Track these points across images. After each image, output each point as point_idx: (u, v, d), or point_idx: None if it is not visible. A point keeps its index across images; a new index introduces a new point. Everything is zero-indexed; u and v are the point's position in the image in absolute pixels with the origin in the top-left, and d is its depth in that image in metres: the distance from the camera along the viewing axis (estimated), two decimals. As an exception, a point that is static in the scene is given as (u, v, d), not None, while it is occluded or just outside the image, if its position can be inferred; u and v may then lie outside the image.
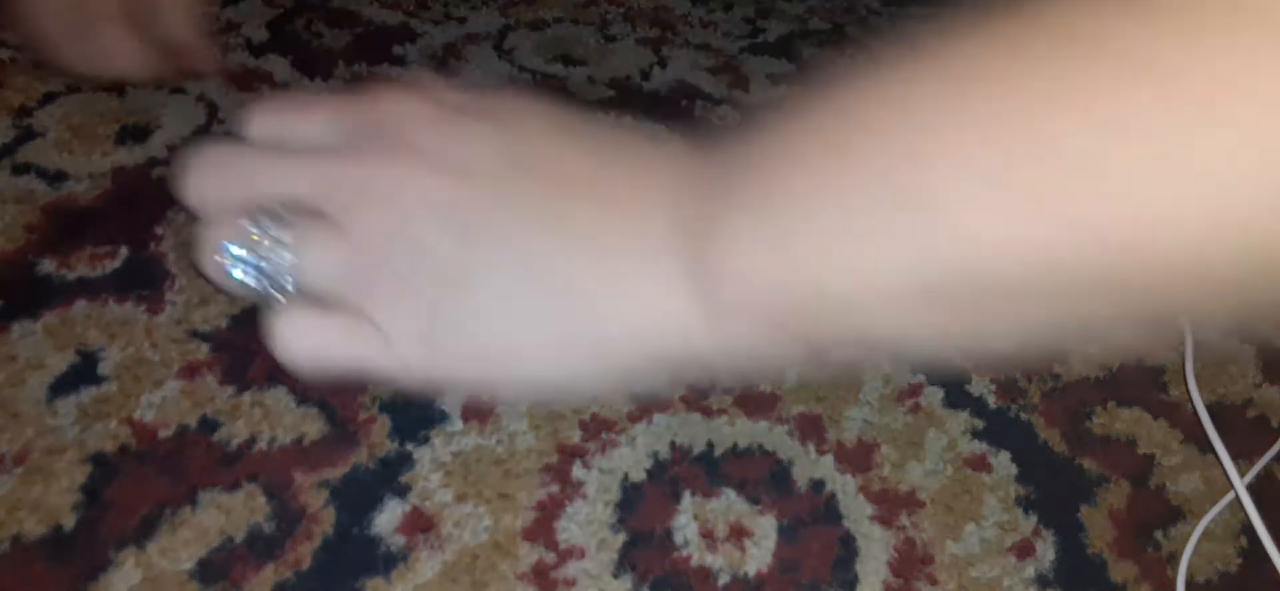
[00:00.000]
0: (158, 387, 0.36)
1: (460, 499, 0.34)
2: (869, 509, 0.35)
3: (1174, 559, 0.35)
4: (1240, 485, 0.34)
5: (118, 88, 0.49)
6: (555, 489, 0.34)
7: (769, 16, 0.67)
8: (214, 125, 0.49)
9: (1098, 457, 0.39)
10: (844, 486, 0.36)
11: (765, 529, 0.34)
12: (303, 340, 0.28)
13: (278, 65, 0.55)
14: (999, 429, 0.39)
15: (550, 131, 0.29)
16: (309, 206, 0.28)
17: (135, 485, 0.33)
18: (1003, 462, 0.38)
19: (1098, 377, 0.42)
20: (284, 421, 0.35)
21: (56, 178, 0.44)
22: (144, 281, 0.40)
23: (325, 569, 0.31)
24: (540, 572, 0.32)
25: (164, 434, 0.34)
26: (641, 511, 0.34)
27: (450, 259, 0.27)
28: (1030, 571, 0.34)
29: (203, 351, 0.37)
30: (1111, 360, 0.43)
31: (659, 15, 0.65)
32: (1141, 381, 0.42)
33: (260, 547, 0.31)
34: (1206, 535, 0.36)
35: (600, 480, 0.35)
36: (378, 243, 0.27)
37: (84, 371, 0.36)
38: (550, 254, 0.27)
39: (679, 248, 0.26)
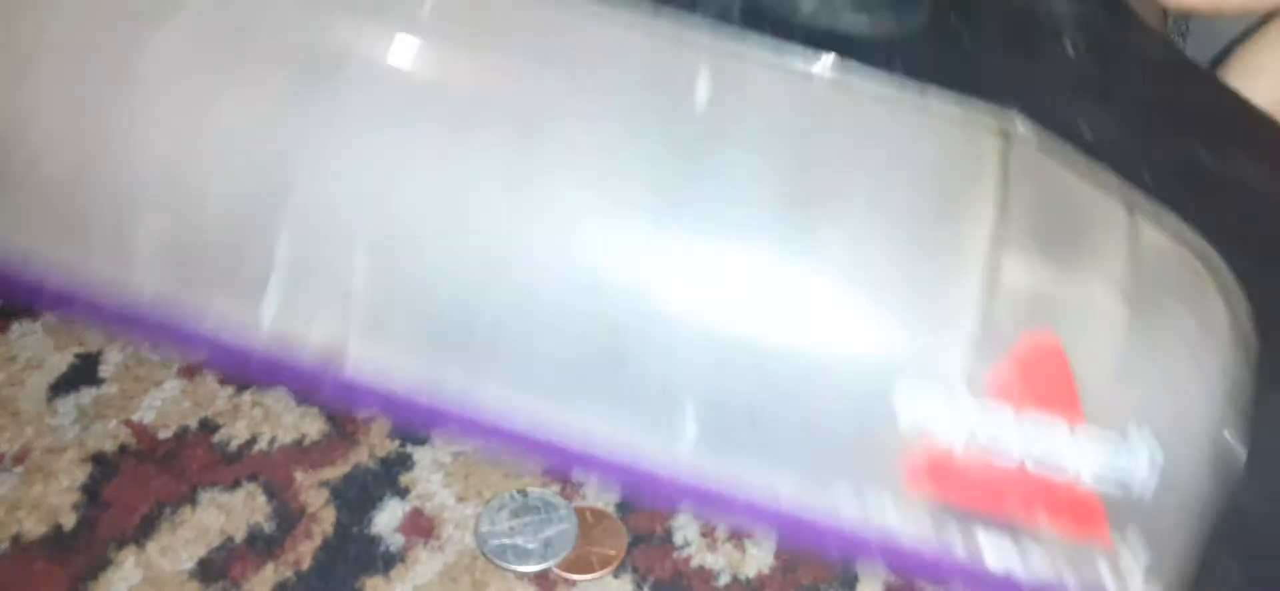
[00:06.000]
0: (158, 387, 0.36)
1: (461, 499, 0.34)
2: (869, 509, 0.35)
3: (1173, 559, 0.35)
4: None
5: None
6: (555, 488, 0.34)
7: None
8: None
9: (1097, 458, 0.39)
10: (844, 487, 0.36)
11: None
12: None
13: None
14: (998, 430, 0.39)
15: None
16: None
17: (135, 484, 0.33)
18: (1002, 463, 0.38)
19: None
20: (284, 421, 0.35)
21: (57, 178, 0.44)
22: (144, 282, 0.40)
23: (325, 568, 0.31)
24: (540, 573, 0.32)
25: (164, 433, 0.34)
26: (641, 511, 0.34)
27: None
28: None
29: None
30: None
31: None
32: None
33: (260, 547, 0.31)
34: (1206, 536, 0.36)
35: (601, 479, 0.35)
36: None
37: (84, 371, 0.36)
38: None
39: None
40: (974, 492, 0.21)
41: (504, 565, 0.31)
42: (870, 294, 0.21)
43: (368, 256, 0.22)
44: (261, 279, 0.22)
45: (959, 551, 0.21)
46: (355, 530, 0.32)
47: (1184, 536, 0.20)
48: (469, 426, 0.23)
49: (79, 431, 0.34)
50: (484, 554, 0.32)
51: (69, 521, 0.31)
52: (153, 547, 0.31)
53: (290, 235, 0.22)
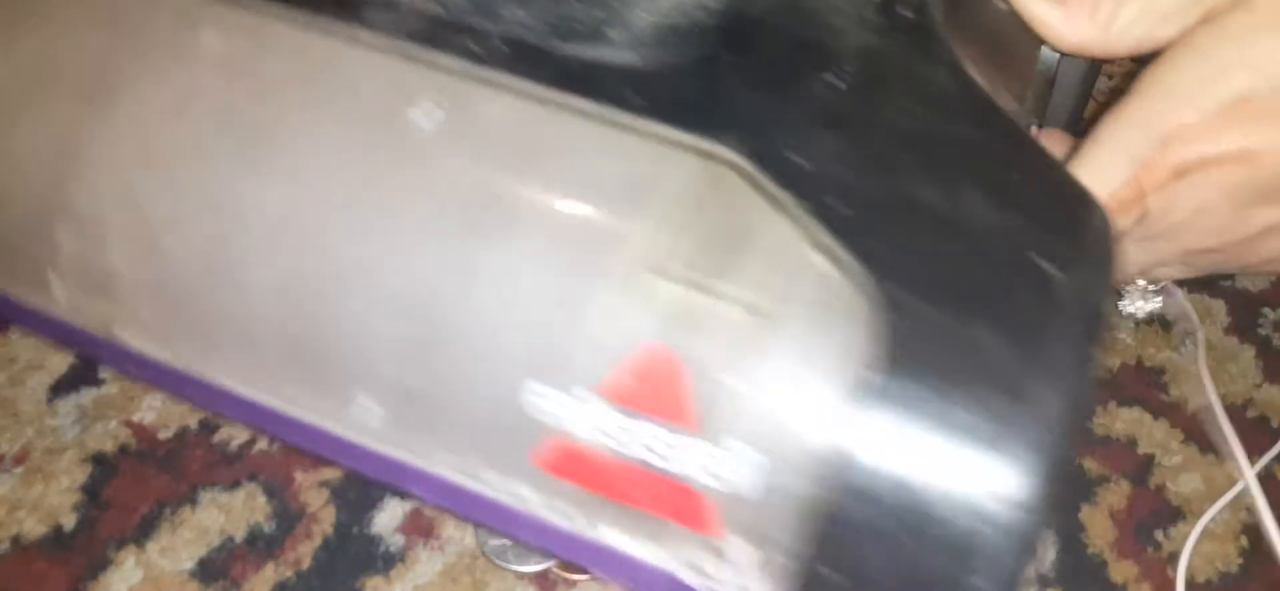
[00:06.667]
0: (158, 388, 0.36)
1: (460, 498, 0.34)
2: (869, 508, 0.35)
3: (1174, 558, 0.35)
4: (1251, 475, 0.34)
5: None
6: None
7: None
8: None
9: (1098, 457, 0.39)
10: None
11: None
12: None
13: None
14: (999, 429, 0.39)
15: None
16: None
17: (135, 484, 0.33)
18: (1003, 462, 0.38)
19: (1098, 378, 0.42)
20: (284, 421, 0.35)
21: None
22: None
23: (325, 568, 0.31)
24: (541, 573, 0.32)
25: (164, 434, 0.34)
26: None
27: None
28: (1030, 571, 0.34)
29: (203, 351, 0.37)
30: (1110, 360, 0.43)
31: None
32: (1141, 381, 0.42)
33: (260, 546, 0.31)
34: (1206, 534, 0.36)
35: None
36: None
37: (84, 372, 0.36)
38: None
39: None
40: (596, 481, 0.23)
41: (504, 565, 0.31)
42: (515, 302, 0.23)
43: (124, 248, 0.25)
44: (50, 264, 0.26)
45: (589, 533, 0.23)
46: (355, 530, 0.32)
47: (792, 535, 0.22)
48: (209, 399, 0.26)
49: (79, 431, 0.34)
50: (484, 553, 0.32)
51: (69, 521, 0.32)
52: (153, 547, 0.31)
53: (65, 228, 0.26)
